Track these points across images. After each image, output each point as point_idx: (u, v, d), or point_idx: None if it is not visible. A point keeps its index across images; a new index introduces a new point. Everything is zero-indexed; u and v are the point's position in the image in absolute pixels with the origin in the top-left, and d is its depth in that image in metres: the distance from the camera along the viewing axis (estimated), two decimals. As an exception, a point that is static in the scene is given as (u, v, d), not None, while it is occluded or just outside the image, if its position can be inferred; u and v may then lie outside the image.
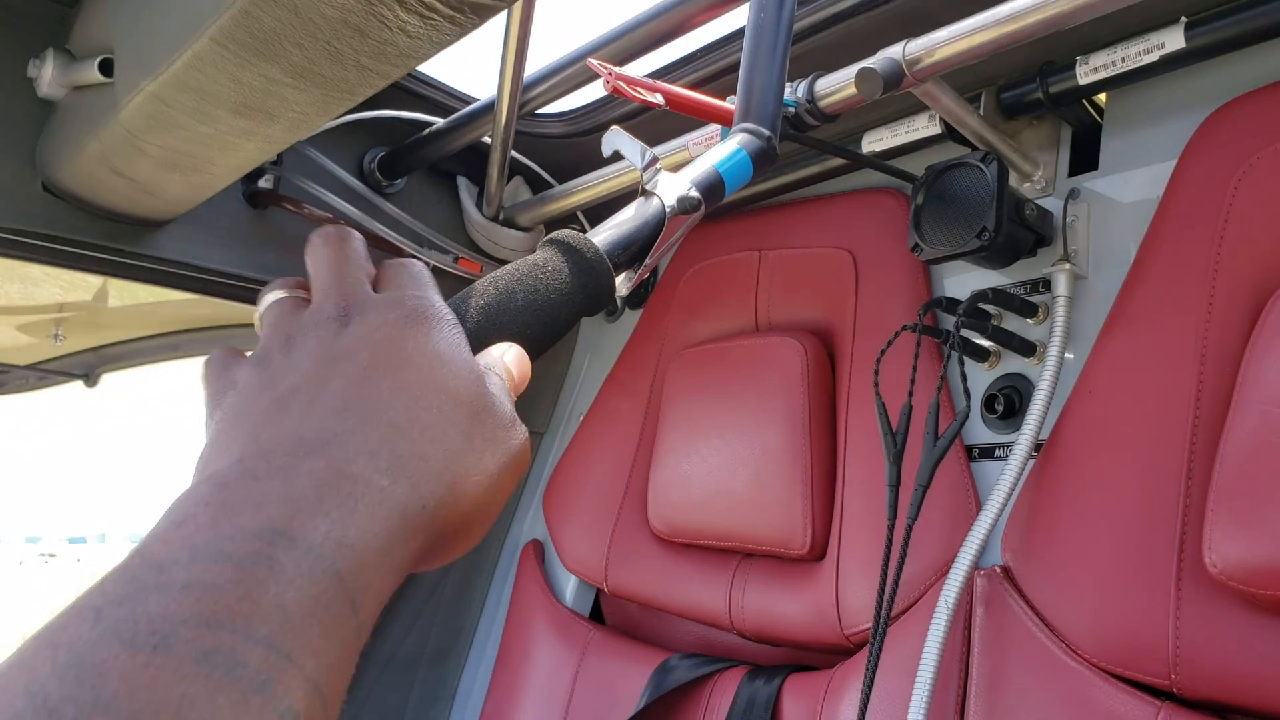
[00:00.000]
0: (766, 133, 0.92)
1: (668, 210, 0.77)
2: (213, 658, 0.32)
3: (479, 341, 0.57)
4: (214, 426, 0.47)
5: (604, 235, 0.71)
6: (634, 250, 0.74)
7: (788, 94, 1.13)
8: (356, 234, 0.55)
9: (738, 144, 0.90)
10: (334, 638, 0.36)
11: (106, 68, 1.14)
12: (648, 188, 0.79)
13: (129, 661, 0.31)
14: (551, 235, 0.67)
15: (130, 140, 1.13)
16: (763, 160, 0.91)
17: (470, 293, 0.61)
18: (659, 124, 1.43)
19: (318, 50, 0.89)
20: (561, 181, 1.59)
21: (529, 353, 0.61)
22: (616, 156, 0.88)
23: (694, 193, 0.80)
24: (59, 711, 0.29)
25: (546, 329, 0.63)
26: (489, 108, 1.38)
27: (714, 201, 0.84)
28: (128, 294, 2.14)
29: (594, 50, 1.23)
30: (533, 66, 1.34)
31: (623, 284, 0.74)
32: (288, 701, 0.33)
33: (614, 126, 0.87)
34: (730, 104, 1.07)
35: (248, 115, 1.04)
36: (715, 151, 0.87)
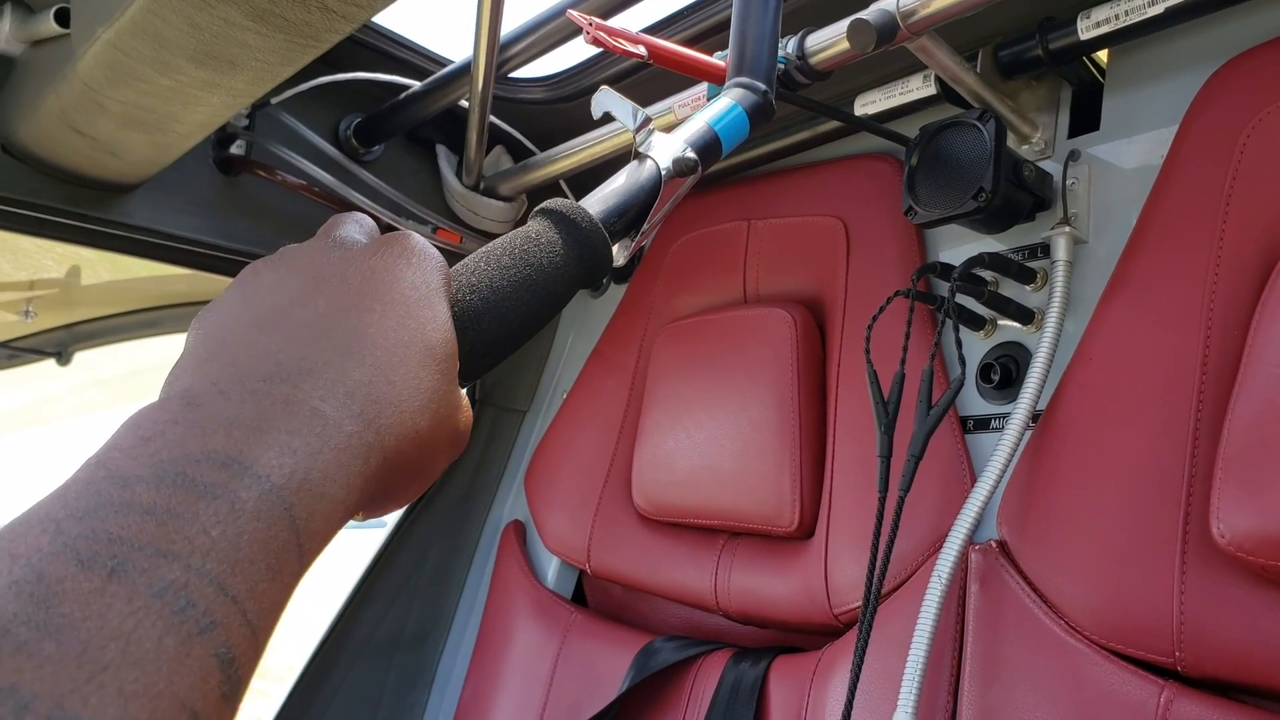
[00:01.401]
0: (763, 87, 0.88)
1: (663, 173, 0.74)
2: (167, 594, 0.31)
3: (472, 321, 0.55)
4: (191, 339, 0.45)
5: (598, 203, 0.68)
6: (630, 217, 0.71)
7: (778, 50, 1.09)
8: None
9: (733, 100, 0.86)
10: (278, 580, 0.36)
11: (63, 18, 1.09)
12: (641, 150, 0.75)
13: (85, 584, 0.30)
14: (543, 205, 0.63)
15: (89, 95, 1.08)
16: (759, 116, 0.87)
17: (460, 270, 0.58)
18: (645, 88, 1.38)
19: (278, -11, 0.85)
20: (544, 149, 1.54)
21: (525, 331, 0.59)
22: (607, 119, 0.84)
23: (690, 153, 0.77)
24: (11, 632, 0.29)
25: (543, 303, 0.60)
26: (466, 69, 1.32)
27: (711, 162, 0.80)
28: (101, 270, 2.09)
29: (575, 3, 1.18)
30: (512, 24, 1.29)
31: (619, 253, 0.71)
32: (226, 646, 0.33)
33: (604, 86, 0.83)
34: (719, 60, 1.03)
35: (209, 65, 0.99)
36: (710, 109, 0.83)
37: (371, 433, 0.42)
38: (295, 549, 0.37)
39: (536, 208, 0.64)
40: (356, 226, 0.52)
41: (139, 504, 0.33)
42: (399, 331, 0.45)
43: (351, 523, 0.47)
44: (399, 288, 0.47)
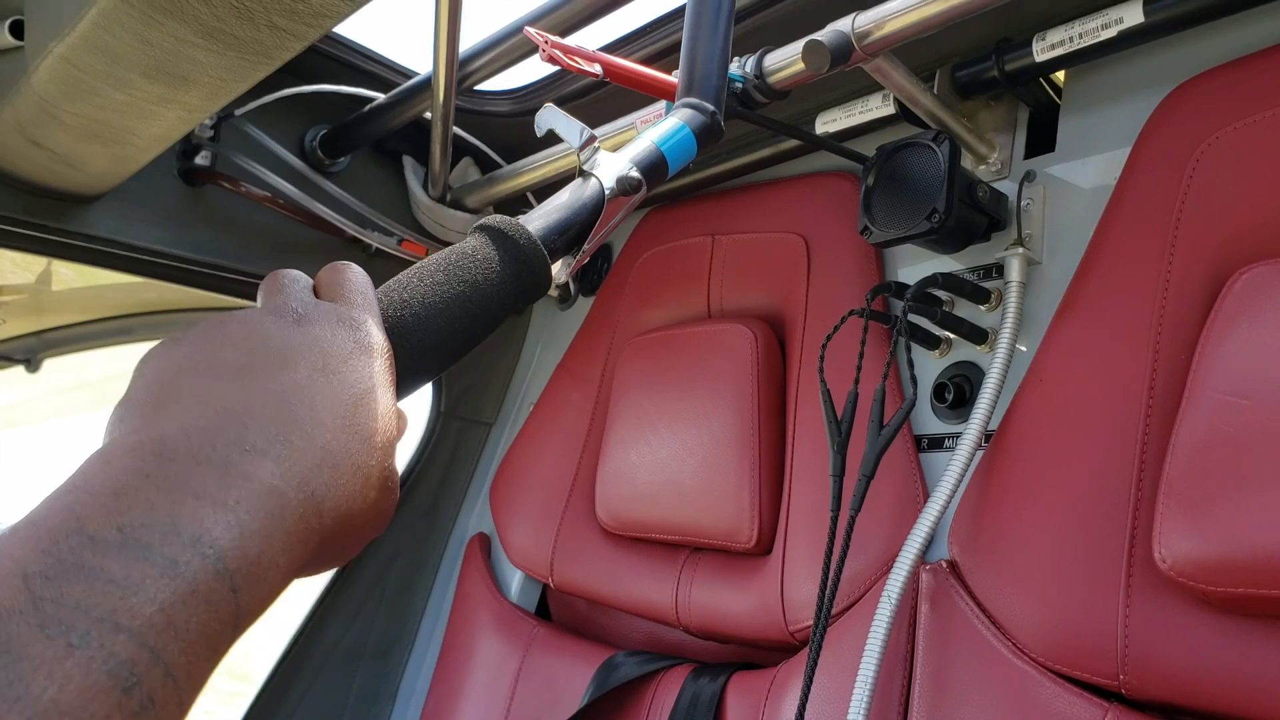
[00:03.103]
0: (710, 108, 0.88)
1: (607, 192, 0.73)
2: (119, 673, 0.33)
3: (403, 338, 0.55)
4: (147, 373, 0.46)
5: (539, 219, 0.68)
6: (571, 235, 0.70)
7: (736, 69, 1.09)
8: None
9: (680, 120, 0.85)
10: (213, 660, 0.38)
11: (17, 30, 1.08)
12: (585, 168, 0.75)
13: (47, 650, 0.31)
14: (482, 221, 0.63)
15: (45, 107, 1.08)
16: (707, 136, 0.86)
17: (394, 286, 0.57)
18: (606, 104, 1.38)
19: (226, 7, 0.84)
20: (511, 162, 1.54)
21: (459, 347, 0.59)
22: (552, 137, 0.84)
23: (634, 173, 0.76)
24: None
25: (477, 321, 0.60)
26: (428, 82, 1.32)
27: (656, 182, 0.80)
28: (71, 277, 2.08)
29: (534, 20, 1.18)
30: (475, 37, 1.29)
31: (560, 271, 0.71)
32: None
33: (547, 104, 0.83)
34: (674, 79, 1.03)
35: (162, 80, 0.98)
36: (657, 129, 0.83)
37: (315, 517, 0.44)
38: (233, 629, 0.39)
39: (476, 223, 0.64)
40: (303, 290, 0.53)
41: (105, 574, 0.34)
42: (349, 419, 0.47)
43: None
44: (353, 377, 0.49)
